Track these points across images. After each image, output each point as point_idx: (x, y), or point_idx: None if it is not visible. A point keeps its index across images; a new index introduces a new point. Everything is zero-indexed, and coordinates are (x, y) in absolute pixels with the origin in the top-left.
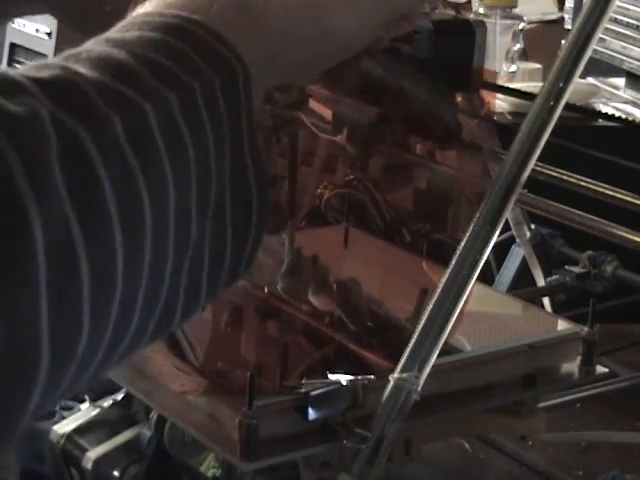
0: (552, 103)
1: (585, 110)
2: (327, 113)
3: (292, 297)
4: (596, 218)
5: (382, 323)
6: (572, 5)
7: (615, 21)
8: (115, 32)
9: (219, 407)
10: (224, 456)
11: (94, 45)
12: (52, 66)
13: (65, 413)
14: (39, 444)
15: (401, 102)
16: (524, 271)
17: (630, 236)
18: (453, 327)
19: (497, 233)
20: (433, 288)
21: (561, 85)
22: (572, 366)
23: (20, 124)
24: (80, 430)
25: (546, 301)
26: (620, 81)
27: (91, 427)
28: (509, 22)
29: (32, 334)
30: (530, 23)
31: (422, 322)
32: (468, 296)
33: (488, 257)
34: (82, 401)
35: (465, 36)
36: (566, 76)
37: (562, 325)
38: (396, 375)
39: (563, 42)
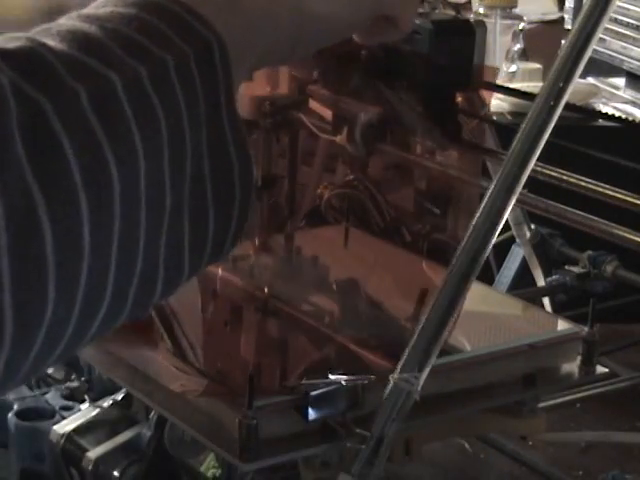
0: (552, 103)
1: (585, 110)
2: (327, 113)
3: (292, 297)
4: (596, 218)
5: (382, 323)
6: (572, 5)
7: (615, 21)
8: (90, 9)
9: (219, 407)
10: (224, 456)
11: (66, 20)
12: (19, 38)
13: (65, 413)
14: (39, 444)
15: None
16: (524, 271)
17: (630, 236)
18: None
19: (497, 233)
20: (433, 288)
21: (561, 85)
22: (572, 366)
23: None
24: (80, 430)
25: (546, 301)
26: (620, 81)
27: (91, 427)
28: (509, 22)
29: None
30: (530, 23)
31: (422, 322)
32: (468, 296)
33: (488, 257)
34: (82, 401)
35: (465, 36)
36: (566, 76)
37: (562, 325)
38: (396, 375)
39: (563, 42)
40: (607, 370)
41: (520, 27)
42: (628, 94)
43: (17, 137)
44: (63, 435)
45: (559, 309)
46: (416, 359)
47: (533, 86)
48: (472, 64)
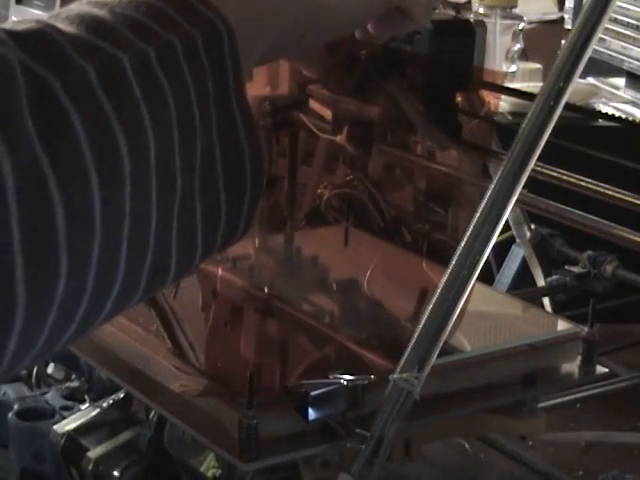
0: (552, 103)
1: (585, 110)
2: (327, 113)
3: (292, 297)
4: (596, 218)
5: (382, 323)
6: (572, 5)
7: (615, 21)
8: None
9: (219, 407)
10: (224, 456)
11: (76, 6)
12: (29, 21)
13: (65, 413)
14: (39, 444)
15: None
16: (524, 271)
17: (630, 236)
18: (453, 327)
19: (497, 233)
20: (433, 288)
21: (561, 85)
22: (572, 366)
23: None
24: (80, 430)
25: (546, 301)
26: (620, 81)
27: (91, 427)
28: (509, 22)
29: (4, 266)
30: (530, 23)
31: (422, 322)
32: (468, 296)
33: (488, 257)
34: (82, 401)
35: (465, 36)
36: (566, 76)
37: (562, 325)
38: (396, 375)
39: (563, 42)
40: (607, 370)
41: (520, 27)
42: (628, 94)
43: (27, 114)
44: (63, 435)
45: (559, 309)
46: (416, 359)
47: (533, 86)
48: (472, 64)
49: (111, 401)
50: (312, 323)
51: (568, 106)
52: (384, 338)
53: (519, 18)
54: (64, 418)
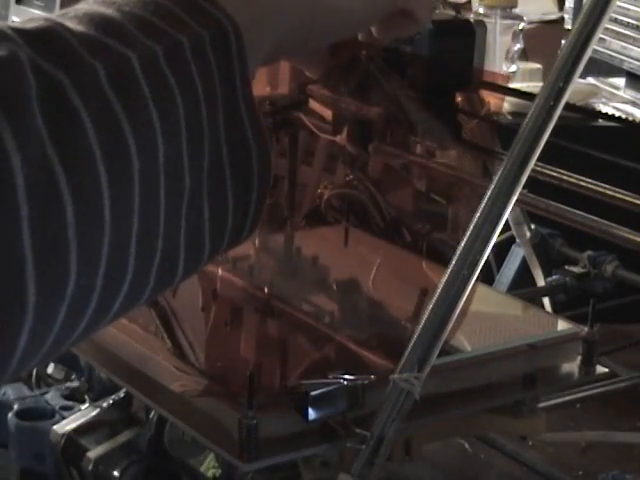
0: (552, 103)
1: (585, 110)
2: (327, 113)
3: (292, 297)
4: (596, 218)
5: (382, 323)
6: (572, 5)
7: (615, 21)
8: None
9: (219, 407)
10: (224, 456)
11: (83, 5)
12: (38, 20)
13: (65, 413)
14: (39, 444)
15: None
16: (524, 271)
17: (630, 236)
18: (453, 327)
19: (497, 233)
20: (433, 288)
21: (561, 85)
22: (572, 366)
23: None
24: (80, 430)
25: (546, 301)
26: (620, 81)
27: (91, 427)
28: (509, 22)
29: (15, 264)
30: (530, 23)
31: (422, 322)
32: (469, 296)
33: (488, 257)
34: (82, 401)
35: (465, 36)
36: (566, 76)
37: (562, 325)
38: (396, 375)
39: (563, 42)
40: (607, 370)
41: (520, 27)
42: (628, 94)
43: (37, 111)
44: (63, 435)
45: (559, 309)
46: (416, 359)
47: (533, 86)
48: (472, 64)
49: (111, 401)
50: (312, 323)
51: (568, 106)
52: (384, 338)
53: (519, 18)
54: (64, 418)
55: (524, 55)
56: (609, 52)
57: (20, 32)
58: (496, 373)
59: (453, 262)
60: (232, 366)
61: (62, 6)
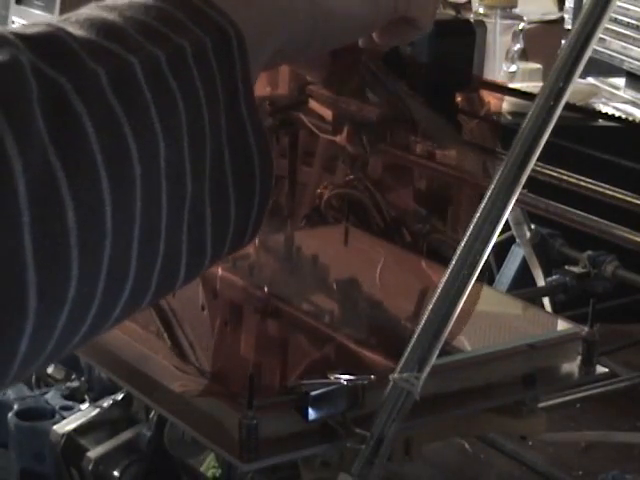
0: (552, 103)
1: (585, 110)
2: (327, 113)
3: (292, 297)
4: (596, 218)
5: (382, 323)
6: (572, 5)
7: (615, 21)
8: (109, 0)
9: (219, 407)
10: (224, 456)
11: (85, 10)
12: (39, 25)
13: (65, 413)
14: (39, 444)
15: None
16: (524, 271)
17: (630, 236)
18: (457, 327)
19: (497, 233)
20: (433, 288)
21: (561, 85)
22: (572, 366)
23: None
24: (80, 430)
25: (546, 301)
26: (620, 81)
27: (91, 427)
28: (509, 22)
29: (16, 270)
30: (530, 23)
31: (422, 322)
32: (474, 297)
33: (488, 257)
34: (82, 401)
35: (465, 36)
36: (566, 76)
37: (562, 325)
38: (396, 375)
39: (563, 42)
40: (607, 370)
41: (520, 27)
42: (628, 94)
43: (39, 116)
44: (63, 435)
45: (559, 309)
46: (416, 359)
47: (533, 86)
48: (472, 64)
49: (111, 401)
50: (312, 323)
51: (568, 106)
52: (384, 338)
53: (519, 18)
54: (64, 418)
55: (524, 55)
56: (609, 52)
57: (22, 37)
58: (496, 373)
59: (453, 262)
60: (232, 366)
61: (62, 6)
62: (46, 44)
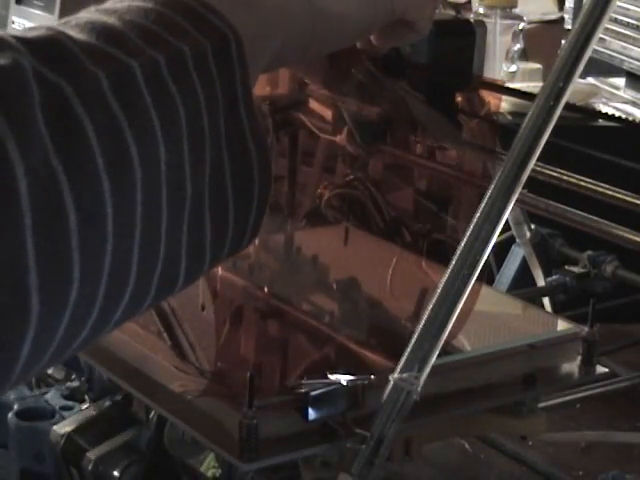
0: (552, 103)
1: (585, 110)
2: (327, 113)
3: (292, 297)
4: (596, 218)
5: (382, 323)
6: (572, 5)
7: (615, 21)
8: (107, 3)
9: (219, 407)
10: (224, 456)
11: (84, 13)
12: (39, 28)
13: (65, 413)
14: (39, 444)
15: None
16: (524, 271)
17: (630, 236)
18: (456, 327)
19: (497, 233)
20: (433, 288)
21: (561, 85)
22: (572, 366)
23: (0, 73)
24: (80, 430)
25: (546, 301)
26: (620, 81)
27: (91, 427)
28: (509, 22)
29: (18, 273)
30: (530, 23)
31: (422, 322)
32: (473, 297)
33: (488, 257)
34: (82, 401)
35: (465, 36)
36: (566, 76)
37: (562, 325)
38: (396, 375)
39: (563, 42)
40: (607, 370)
41: (520, 27)
42: (628, 94)
43: (40, 120)
44: (63, 435)
45: (559, 309)
46: (416, 359)
47: (533, 86)
48: (472, 64)
49: (111, 401)
50: (312, 323)
51: (568, 106)
52: (384, 338)
53: (519, 18)
54: (64, 418)
55: (524, 55)
56: (609, 52)
57: (23, 40)
58: (496, 373)
59: (453, 262)
60: (232, 366)
61: (62, 6)
62: (47, 48)
